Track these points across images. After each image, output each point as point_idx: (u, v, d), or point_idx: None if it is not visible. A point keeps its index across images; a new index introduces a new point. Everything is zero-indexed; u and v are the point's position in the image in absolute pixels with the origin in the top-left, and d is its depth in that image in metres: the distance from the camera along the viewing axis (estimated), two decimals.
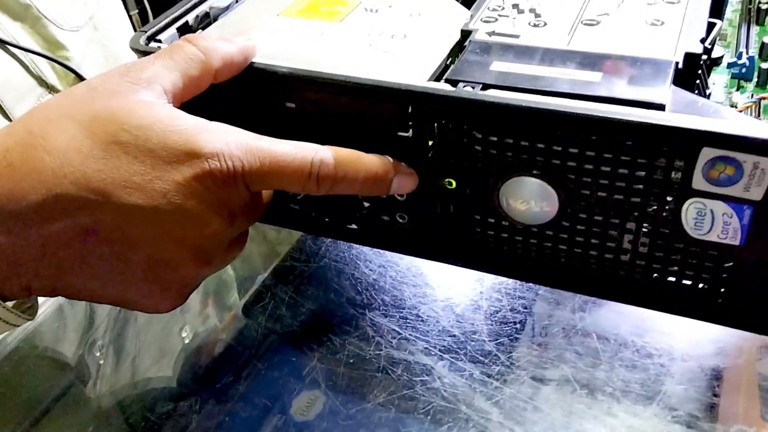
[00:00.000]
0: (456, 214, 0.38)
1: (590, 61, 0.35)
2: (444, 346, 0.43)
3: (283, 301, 0.48)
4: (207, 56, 0.34)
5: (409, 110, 0.35)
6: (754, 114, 0.43)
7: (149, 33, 0.40)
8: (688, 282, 0.35)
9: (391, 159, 0.36)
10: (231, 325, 0.48)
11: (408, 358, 0.42)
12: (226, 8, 0.44)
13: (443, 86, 0.34)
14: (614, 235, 0.35)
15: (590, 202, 0.34)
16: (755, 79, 0.45)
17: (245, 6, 0.44)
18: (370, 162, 0.35)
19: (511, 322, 0.44)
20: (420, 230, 0.40)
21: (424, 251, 0.42)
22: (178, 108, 0.33)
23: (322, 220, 0.43)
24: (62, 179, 0.29)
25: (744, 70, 0.45)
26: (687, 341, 0.42)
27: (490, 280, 0.48)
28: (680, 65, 0.35)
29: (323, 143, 0.34)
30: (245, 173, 0.32)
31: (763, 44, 0.46)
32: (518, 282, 0.47)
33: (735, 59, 0.46)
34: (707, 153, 0.30)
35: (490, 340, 0.43)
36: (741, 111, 0.43)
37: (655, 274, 0.36)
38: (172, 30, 0.41)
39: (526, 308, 0.45)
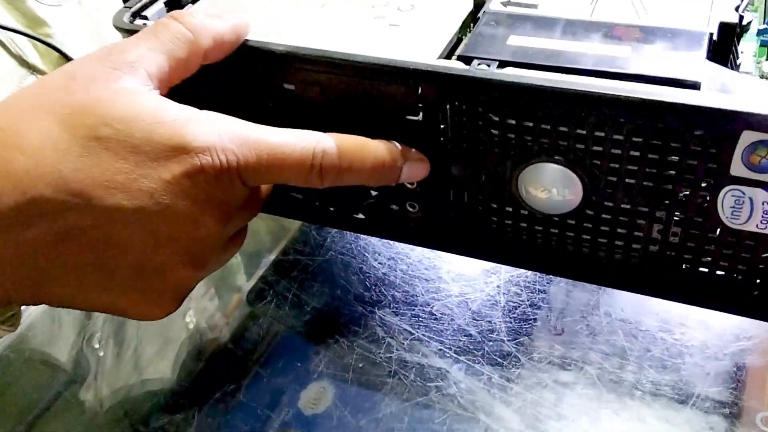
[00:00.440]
0: (470, 203, 0.37)
1: (616, 33, 0.34)
2: (459, 347, 0.42)
3: (286, 299, 0.47)
4: (195, 35, 0.33)
5: (419, 91, 0.34)
6: None
7: (134, 9, 0.39)
8: (721, 273, 0.34)
9: (399, 145, 0.35)
10: (232, 326, 0.47)
11: (421, 361, 0.42)
12: None
13: (456, 65, 0.33)
14: (643, 225, 0.34)
15: (617, 189, 0.33)
16: None
17: None
18: (377, 149, 0.34)
19: (531, 319, 0.43)
20: (432, 220, 0.39)
21: (437, 242, 0.41)
22: (165, 94, 0.32)
23: (326, 209, 0.42)
24: (38, 180, 0.28)
25: None
26: (720, 337, 0.41)
27: (507, 272, 0.47)
28: (714, 37, 0.34)
29: (324, 129, 0.33)
30: (240, 168, 0.31)
31: None
32: (537, 274, 0.46)
33: (765, 26, 0.44)
34: (748, 137, 0.29)
35: (509, 340, 0.42)
36: None
37: (685, 265, 0.35)
38: (160, 5, 0.40)
39: (546, 303, 0.44)
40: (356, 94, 0.35)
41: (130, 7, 0.39)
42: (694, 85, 0.30)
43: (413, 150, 0.35)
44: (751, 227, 0.32)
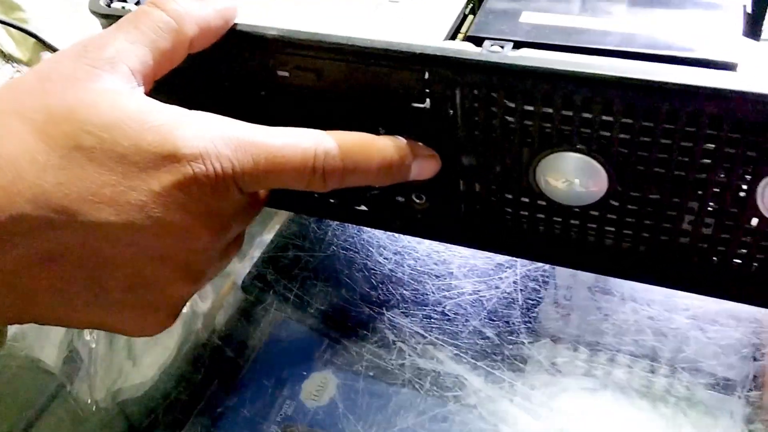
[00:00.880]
0: (482, 194, 0.37)
1: (641, 6, 0.32)
2: (477, 351, 0.41)
3: (288, 301, 0.46)
4: (179, 23, 0.32)
5: (426, 77, 0.32)
6: None
7: None
8: (756, 266, 0.34)
9: (407, 142, 0.34)
10: (228, 330, 0.46)
11: (436, 367, 0.40)
12: None
13: (466, 46, 0.31)
14: (673, 216, 0.33)
15: (646, 179, 0.32)
16: None
17: None
18: (383, 148, 0.33)
19: (552, 318, 0.42)
20: (440, 211, 0.39)
21: (446, 235, 0.41)
22: (150, 89, 0.31)
23: (327, 201, 0.41)
24: (16, 197, 0.26)
25: None
26: (757, 335, 0.40)
27: (523, 266, 0.45)
28: (748, 9, 0.32)
29: (322, 118, 0.32)
30: (237, 175, 0.29)
31: None
32: (556, 268, 0.45)
33: None
34: None
35: (529, 342, 0.41)
36: None
37: (718, 258, 0.34)
38: None
39: (568, 300, 0.43)
40: (356, 80, 0.34)
41: None
42: (731, 66, 0.29)
43: (421, 145, 0.35)
44: None
